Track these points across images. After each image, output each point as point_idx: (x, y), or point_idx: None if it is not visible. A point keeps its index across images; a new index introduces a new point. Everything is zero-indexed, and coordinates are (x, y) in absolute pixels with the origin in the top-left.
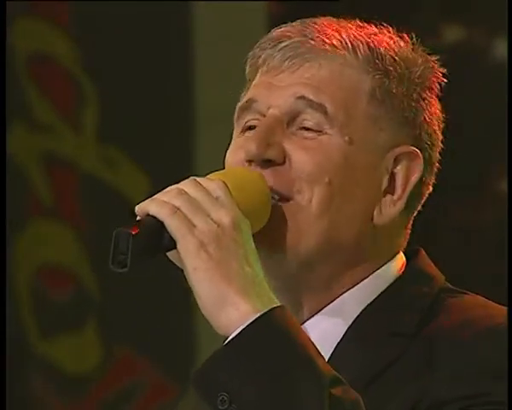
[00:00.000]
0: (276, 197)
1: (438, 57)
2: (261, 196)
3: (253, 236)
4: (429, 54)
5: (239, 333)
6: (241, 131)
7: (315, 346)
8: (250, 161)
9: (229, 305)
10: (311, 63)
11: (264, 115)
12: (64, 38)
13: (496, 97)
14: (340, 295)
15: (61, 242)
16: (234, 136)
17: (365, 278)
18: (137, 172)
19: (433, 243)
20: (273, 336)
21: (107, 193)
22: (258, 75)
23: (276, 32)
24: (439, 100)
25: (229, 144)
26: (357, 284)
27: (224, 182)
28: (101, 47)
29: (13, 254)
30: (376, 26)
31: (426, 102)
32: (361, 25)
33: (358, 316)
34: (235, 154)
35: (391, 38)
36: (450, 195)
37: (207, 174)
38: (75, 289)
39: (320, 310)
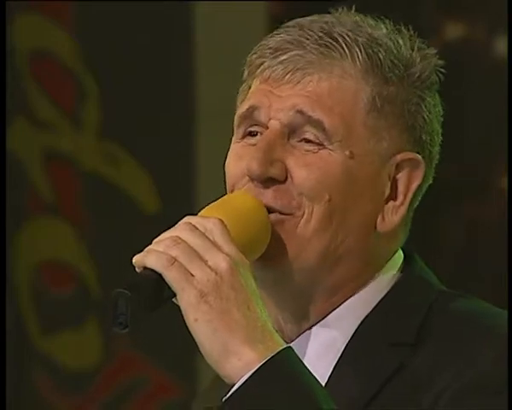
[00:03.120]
0: (279, 216)
1: (436, 51)
2: (261, 224)
3: (259, 257)
4: (428, 46)
5: (243, 383)
6: (242, 137)
7: (321, 385)
8: (252, 179)
9: (232, 355)
10: (311, 76)
11: (266, 126)
12: (65, 35)
13: (496, 95)
14: (343, 302)
15: (61, 239)
16: (233, 140)
17: (367, 284)
18: (138, 168)
19: (435, 242)
20: (277, 382)
21: (108, 190)
22: (258, 82)
23: (274, 40)
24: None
25: (230, 140)
26: (360, 289)
27: (220, 220)
28: (103, 44)
29: (13, 252)
30: (375, 20)
31: (426, 102)
32: (359, 23)
33: (359, 326)
34: (237, 164)
35: (389, 37)
36: (451, 193)
37: (199, 196)
38: (76, 286)
39: (323, 318)
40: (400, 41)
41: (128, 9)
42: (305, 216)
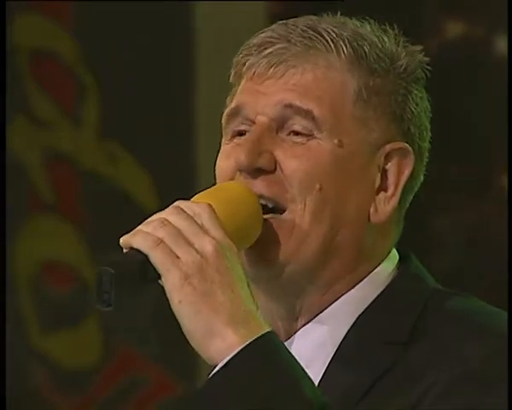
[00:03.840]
0: (270, 205)
1: (422, 47)
2: (251, 211)
3: (250, 249)
4: (413, 44)
5: (224, 365)
6: (230, 138)
7: (304, 370)
8: (241, 171)
9: (216, 336)
10: (296, 69)
11: (253, 122)
12: (65, 35)
13: (496, 93)
14: (338, 298)
15: (61, 237)
16: (222, 142)
17: (362, 280)
18: (138, 167)
19: (435, 242)
20: (259, 365)
21: (108, 189)
22: (244, 81)
23: (259, 37)
24: (429, 92)
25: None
26: (355, 285)
27: (209, 204)
28: (103, 43)
29: (13, 250)
30: (359, 20)
31: (413, 95)
32: (343, 21)
33: (354, 324)
34: (226, 162)
35: (373, 33)
36: (452, 192)
37: (197, 193)
38: (76, 285)
39: (317, 315)
40: (385, 38)
41: (129, 10)
42: (298, 211)
